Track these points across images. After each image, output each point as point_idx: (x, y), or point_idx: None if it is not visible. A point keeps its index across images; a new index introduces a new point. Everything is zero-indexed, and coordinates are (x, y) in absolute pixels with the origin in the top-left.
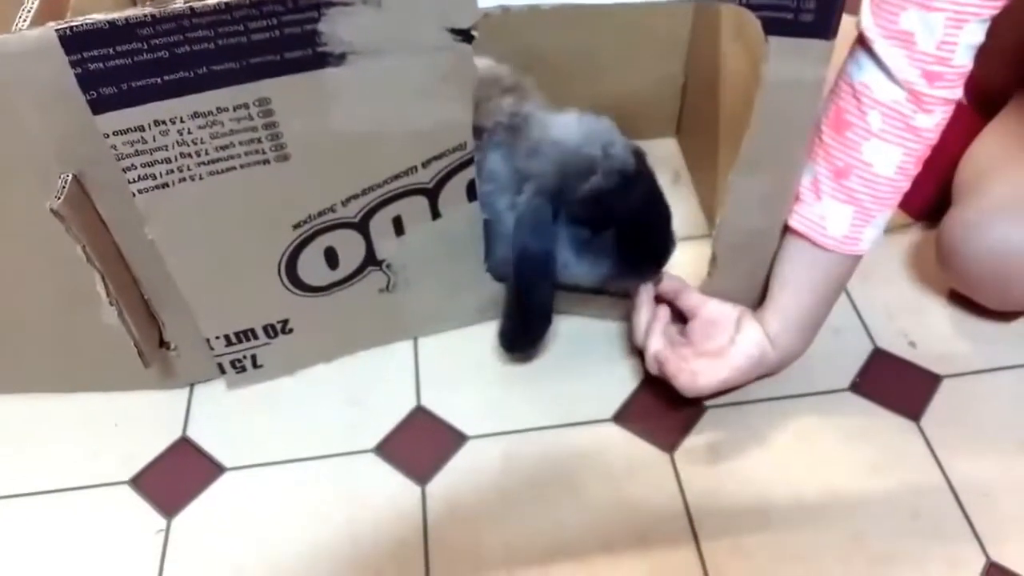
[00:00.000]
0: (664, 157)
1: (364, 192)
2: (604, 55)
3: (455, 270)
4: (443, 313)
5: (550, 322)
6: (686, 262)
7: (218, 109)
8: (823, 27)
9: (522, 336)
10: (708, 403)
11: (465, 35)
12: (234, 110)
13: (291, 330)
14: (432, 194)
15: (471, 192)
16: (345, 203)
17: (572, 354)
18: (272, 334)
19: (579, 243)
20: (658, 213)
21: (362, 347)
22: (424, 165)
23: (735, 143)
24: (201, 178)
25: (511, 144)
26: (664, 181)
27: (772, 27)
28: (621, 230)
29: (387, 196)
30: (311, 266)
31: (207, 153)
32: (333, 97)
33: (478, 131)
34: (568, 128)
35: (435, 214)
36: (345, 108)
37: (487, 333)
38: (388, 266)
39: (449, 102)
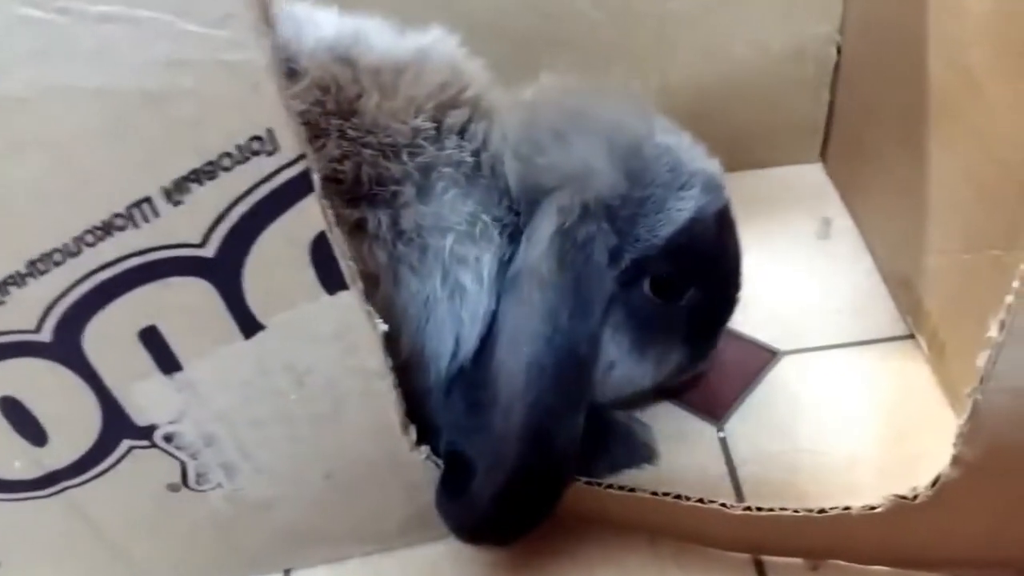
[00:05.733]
0: (801, 194)
1: (33, 269)
2: (683, 16)
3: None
4: (324, 532)
5: (565, 486)
6: (874, 387)
7: None
8: None
9: (517, 521)
10: None
11: None
12: None
13: None
14: (221, 270)
15: (325, 266)
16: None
17: None
18: None
19: (640, 321)
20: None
21: None
22: (169, 195)
23: (970, 169)
24: None
25: (464, 160)
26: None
27: None
28: (712, 289)
29: (99, 277)
30: None
31: None
32: None
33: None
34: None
35: (247, 325)
36: None
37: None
38: (167, 438)
39: (224, 20)
